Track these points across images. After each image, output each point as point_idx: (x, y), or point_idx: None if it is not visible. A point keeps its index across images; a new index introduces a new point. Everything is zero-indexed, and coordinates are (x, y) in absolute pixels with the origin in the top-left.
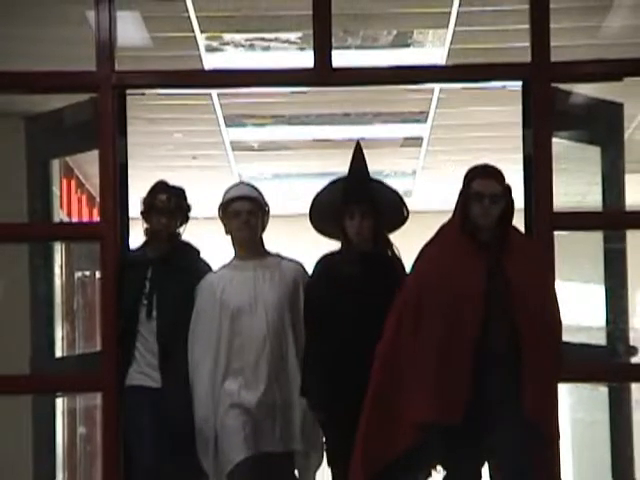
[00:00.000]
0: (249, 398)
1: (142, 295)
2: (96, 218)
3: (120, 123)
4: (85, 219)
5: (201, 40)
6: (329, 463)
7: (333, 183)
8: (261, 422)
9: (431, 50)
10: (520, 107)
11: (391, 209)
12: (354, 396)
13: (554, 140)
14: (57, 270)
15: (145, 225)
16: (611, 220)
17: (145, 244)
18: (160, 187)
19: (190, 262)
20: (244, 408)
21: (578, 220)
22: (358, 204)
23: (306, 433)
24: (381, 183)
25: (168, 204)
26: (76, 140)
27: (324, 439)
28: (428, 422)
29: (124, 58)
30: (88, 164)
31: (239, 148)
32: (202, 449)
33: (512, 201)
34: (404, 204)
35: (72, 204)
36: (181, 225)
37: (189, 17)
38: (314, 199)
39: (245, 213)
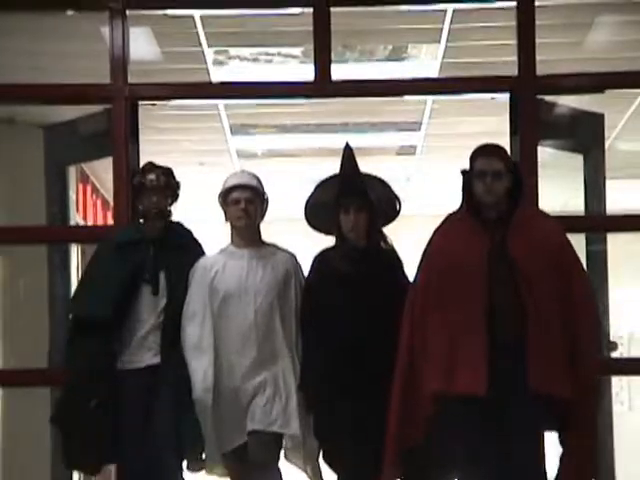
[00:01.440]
0: (232, 383)
1: (144, 274)
2: (110, 221)
3: (132, 132)
4: (100, 222)
5: (208, 54)
6: (325, 456)
7: (325, 181)
8: (246, 404)
9: (424, 63)
10: (507, 117)
11: (384, 202)
12: (356, 385)
13: (539, 148)
14: (73, 271)
15: (139, 206)
16: (593, 223)
17: (137, 225)
18: (148, 167)
19: (186, 240)
20: (224, 397)
21: (562, 223)
22: (352, 199)
23: (289, 414)
24: (372, 177)
25: (157, 182)
26: (91, 148)
27: (319, 429)
28: (440, 391)
29: (136, 71)
30: (103, 170)
31: (244, 155)
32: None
33: (520, 178)
34: (396, 196)
35: (88, 208)
36: (172, 203)
37: (197, 33)
38: (308, 198)
39: (244, 201)
